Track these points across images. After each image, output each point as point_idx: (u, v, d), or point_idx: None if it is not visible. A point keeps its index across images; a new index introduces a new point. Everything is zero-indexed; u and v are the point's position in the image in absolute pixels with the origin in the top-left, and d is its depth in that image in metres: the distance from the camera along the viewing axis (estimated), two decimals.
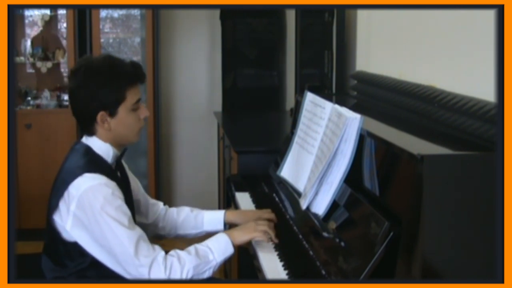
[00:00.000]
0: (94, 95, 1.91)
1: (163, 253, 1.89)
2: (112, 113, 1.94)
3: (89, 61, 1.98)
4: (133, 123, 1.99)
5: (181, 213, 2.30)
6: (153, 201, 2.33)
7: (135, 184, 2.23)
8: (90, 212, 1.85)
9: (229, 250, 1.96)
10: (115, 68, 1.95)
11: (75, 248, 1.91)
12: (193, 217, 2.29)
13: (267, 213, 2.22)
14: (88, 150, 1.97)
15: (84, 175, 1.88)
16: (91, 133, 1.98)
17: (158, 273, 1.84)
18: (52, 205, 1.94)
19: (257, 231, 2.00)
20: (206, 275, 1.93)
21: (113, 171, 2.01)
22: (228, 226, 2.27)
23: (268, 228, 2.02)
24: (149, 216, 2.28)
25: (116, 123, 1.95)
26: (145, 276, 1.84)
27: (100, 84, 1.92)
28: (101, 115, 1.93)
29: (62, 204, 1.91)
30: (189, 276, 1.88)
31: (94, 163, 1.94)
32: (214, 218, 2.27)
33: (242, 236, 2.00)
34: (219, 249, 1.94)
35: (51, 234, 1.95)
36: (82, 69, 1.94)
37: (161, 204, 2.34)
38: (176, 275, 1.86)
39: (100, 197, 1.85)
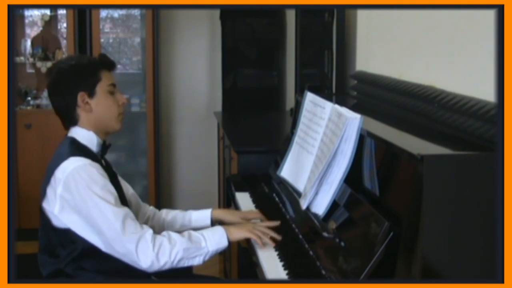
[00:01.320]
0: (72, 80, 2.04)
1: (151, 231, 1.92)
2: (91, 94, 2.04)
3: (59, 61, 2.18)
4: (111, 106, 2.07)
5: (170, 214, 2.34)
6: (143, 203, 2.37)
7: (125, 186, 2.26)
8: (76, 192, 1.90)
9: (223, 242, 1.98)
10: (85, 56, 2.17)
11: (66, 235, 1.95)
12: (181, 216, 2.32)
13: (254, 214, 2.26)
14: (73, 140, 2.04)
15: (69, 158, 1.95)
16: (74, 121, 2.06)
17: (146, 250, 1.87)
18: (41, 195, 2.00)
19: (253, 232, 2.02)
20: (196, 261, 1.95)
21: (99, 159, 2.05)
22: (218, 224, 2.29)
23: (265, 233, 2.03)
24: (139, 216, 2.30)
25: (96, 103, 2.04)
26: (132, 253, 1.87)
27: (76, 69, 2.05)
28: (81, 95, 2.03)
29: (49, 190, 1.96)
30: (178, 257, 1.90)
31: (79, 150, 2.00)
32: (201, 215, 2.31)
33: (238, 233, 2.02)
34: (213, 238, 1.97)
35: (43, 224, 2.00)
36: (55, 66, 2.11)
37: (151, 207, 2.38)
38: (165, 254, 1.89)
39: (85, 176, 1.91)
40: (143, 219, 2.30)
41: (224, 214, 2.30)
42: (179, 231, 2.27)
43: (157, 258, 1.88)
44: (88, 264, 1.96)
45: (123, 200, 2.06)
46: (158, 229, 2.30)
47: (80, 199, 1.90)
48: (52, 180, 1.95)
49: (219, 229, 2.01)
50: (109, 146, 2.14)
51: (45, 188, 1.98)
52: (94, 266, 1.95)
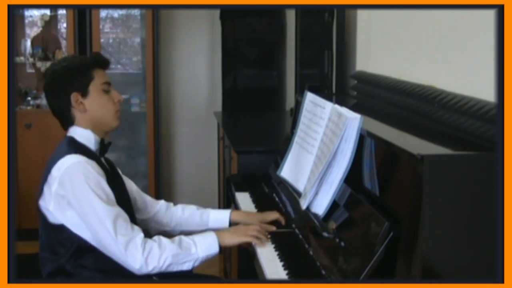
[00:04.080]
0: (64, 81, 2.05)
1: (142, 235, 1.93)
2: (84, 93, 2.05)
3: (53, 63, 2.20)
4: (107, 104, 2.08)
5: (187, 210, 2.33)
6: (151, 198, 2.36)
7: (129, 184, 2.27)
8: (70, 189, 1.92)
9: (214, 249, 1.99)
10: (78, 56, 2.17)
11: (62, 232, 1.96)
12: (198, 214, 2.31)
13: (273, 214, 2.24)
14: (71, 139, 2.05)
15: (65, 156, 1.96)
16: (70, 121, 2.08)
17: (136, 253, 1.89)
18: (39, 192, 2.01)
19: (247, 235, 2.03)
20: (186, 266, 1.96)
21: (97, 157, 2.06)
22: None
23: (258, 233, 2.03)
24: (147, 211, 2.31)
25: (90, 103, 2.06)
26: (122, 254, 1.89)
27: (68, 70, 2.06)
28: (74, 96, 2.04)
29: (46, 188, 1.98)
30: (166, 263, 1.91)
31: (77, 148, 2.01)
32: (219, 217, 2.30)
33: (231, 239, 2.03)
34: (204, 245, 1.97)
35: (42, 222, 2.02)
36: (49, 68, 2.12)
37: (161, 201, 2.37)
38: (153, 260, 1.90)
39: (79, 173, 1.93)
40: (152, 213, 2.31)
41: (243, 218, 2.28)
42: (196, 230, 2.28)
43: (146, 263, 1.89)
44: (87, 261, 1.96)
45: (124, 200, 2.06)
46: (174, 225, 2.32)
47: (73, 195, 1.91)
48: (49, 177, 1.97)
49: (211, 235, 2.01)
50: (109, 145, 2.14)
51: (43, 186, 1.99)
52: (94, 264, 1.96)
